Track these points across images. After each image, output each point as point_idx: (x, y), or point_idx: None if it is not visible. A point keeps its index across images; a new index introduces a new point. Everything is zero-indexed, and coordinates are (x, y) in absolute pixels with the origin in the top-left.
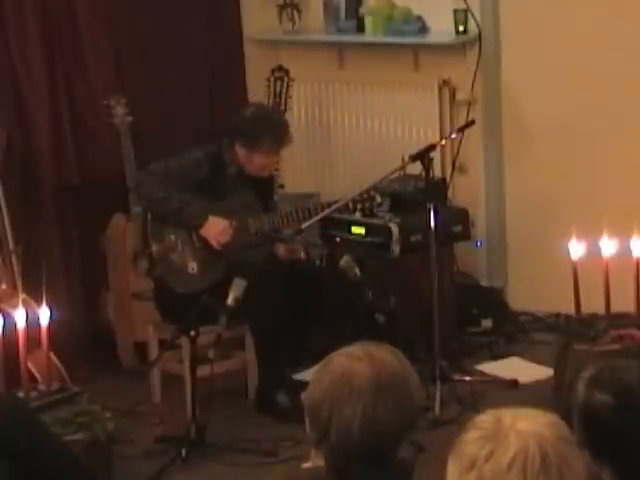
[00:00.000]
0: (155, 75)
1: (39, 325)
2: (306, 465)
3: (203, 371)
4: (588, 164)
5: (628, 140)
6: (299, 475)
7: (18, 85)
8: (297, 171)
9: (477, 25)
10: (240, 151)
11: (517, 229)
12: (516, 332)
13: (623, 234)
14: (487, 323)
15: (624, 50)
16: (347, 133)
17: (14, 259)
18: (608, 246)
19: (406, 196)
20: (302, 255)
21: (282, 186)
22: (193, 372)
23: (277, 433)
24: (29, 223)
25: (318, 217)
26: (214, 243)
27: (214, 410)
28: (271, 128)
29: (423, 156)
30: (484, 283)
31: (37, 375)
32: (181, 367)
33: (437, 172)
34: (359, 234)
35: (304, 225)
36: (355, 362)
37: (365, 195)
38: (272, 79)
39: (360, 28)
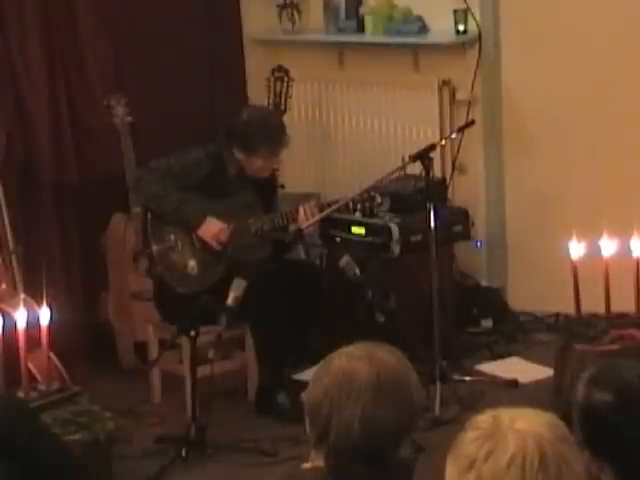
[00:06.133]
0: (155, 75)
1: (39, 325)
2: (306, 465)
3: (203, 371)
4: (588, 164)
5: (628, 140)
6: (299, 475)
7: (18, 85)
8: (297, 171)
9: (477, 25)
10: (238, 155)
11: (517, 229)
12: (516, 332)
13: (623, 234)
14: (487, 323)
15: (624, 50)
16: (347, 133)
17: (14, 259)
18: (608, 246)
19: (406, 196)
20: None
21: (282, 186)
22: (193, 372)
23: (277, 433)
24: (29, 223)
25: (318, 217)
26: (213, 244)
27: (214, 410)
28: (267, 133)
29: (423, 156)
30: (484, 283)
31: (37, 375)
32: (181, 367)
33: (437, 172)
34: (359, 234)
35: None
36: (355, 362)
37: (365, 195)
38: (272, 79)
39: (360, 28)
